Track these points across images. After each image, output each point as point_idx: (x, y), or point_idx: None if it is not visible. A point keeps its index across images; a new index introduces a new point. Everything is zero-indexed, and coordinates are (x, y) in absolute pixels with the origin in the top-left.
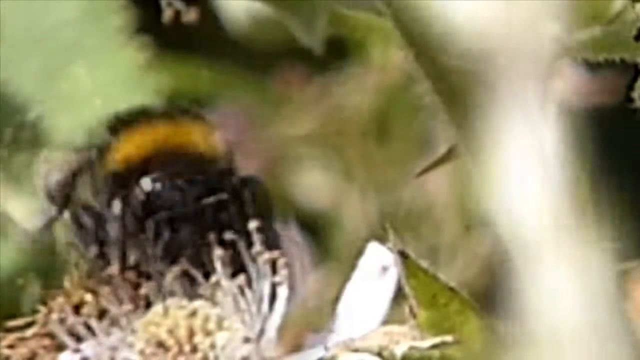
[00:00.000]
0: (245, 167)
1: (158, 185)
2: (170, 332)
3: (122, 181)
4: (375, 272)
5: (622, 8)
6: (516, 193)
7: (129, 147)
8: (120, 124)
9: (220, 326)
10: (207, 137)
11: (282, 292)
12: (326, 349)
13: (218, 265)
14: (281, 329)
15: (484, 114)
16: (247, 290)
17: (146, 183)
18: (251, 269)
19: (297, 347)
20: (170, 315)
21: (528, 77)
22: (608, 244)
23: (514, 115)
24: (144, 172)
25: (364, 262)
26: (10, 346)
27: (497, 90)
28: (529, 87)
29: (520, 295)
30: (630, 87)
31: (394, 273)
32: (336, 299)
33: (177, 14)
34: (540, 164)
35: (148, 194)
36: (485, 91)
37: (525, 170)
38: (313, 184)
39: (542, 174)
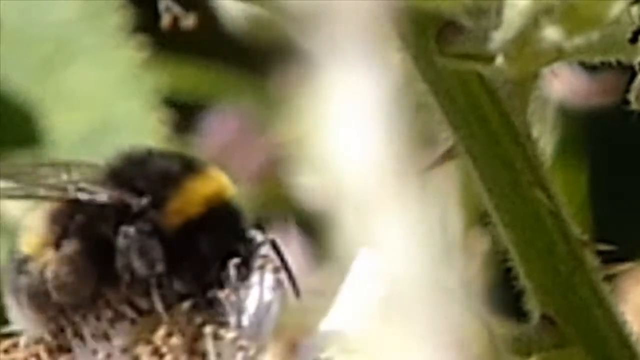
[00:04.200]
0: (245, 167)
1: None
2: (166, 339)
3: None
4: (367, 276)
5: (619, 12)
6: (342, 141)
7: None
8: None
9: (214, 334)
10: None
11: (276, 297)
12: (323, 349)
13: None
14: (278, 332)
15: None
16: (241, 297)
17: None
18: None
19: (293, 349)
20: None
21: (352, 28)
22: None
23: (340, 64)
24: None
25: (356, 266)
26: (5, 351)
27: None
28: (354, 40)
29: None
30: (627, 89)
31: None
32: (334, 301)
33: (175, 19)
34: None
35: None
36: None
37: (351, 120)
38: (312, 184)
39: (368, 125)
